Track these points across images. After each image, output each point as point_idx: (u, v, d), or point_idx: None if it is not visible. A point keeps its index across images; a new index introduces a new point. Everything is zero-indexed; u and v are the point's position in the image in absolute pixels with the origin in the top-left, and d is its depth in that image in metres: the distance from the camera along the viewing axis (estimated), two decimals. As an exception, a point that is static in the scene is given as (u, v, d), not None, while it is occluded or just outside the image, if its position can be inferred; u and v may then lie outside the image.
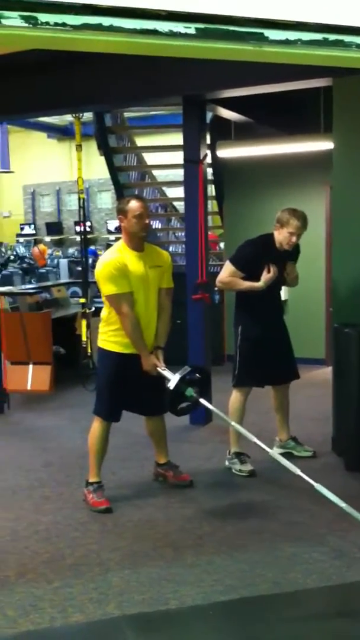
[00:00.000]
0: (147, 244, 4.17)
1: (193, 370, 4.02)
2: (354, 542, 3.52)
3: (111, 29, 2.03)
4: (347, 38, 2.18)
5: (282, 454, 4.62)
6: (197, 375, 4.04)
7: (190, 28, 2.07)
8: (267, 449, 3.95)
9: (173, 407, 4.01)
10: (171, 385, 3.91)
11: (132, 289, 3.95)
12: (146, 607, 3.02)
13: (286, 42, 2.14)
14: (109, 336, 4.06)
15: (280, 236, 4.48)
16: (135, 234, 4.03)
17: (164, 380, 4.19)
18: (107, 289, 3.94)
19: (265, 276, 4.45)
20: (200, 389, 4.02)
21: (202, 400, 4.00)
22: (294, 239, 4.44)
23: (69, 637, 2.88)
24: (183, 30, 2.07)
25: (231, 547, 3.55)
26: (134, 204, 4.01)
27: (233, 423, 4.15)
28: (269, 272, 4.44)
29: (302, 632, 2.83)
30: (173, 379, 3.92)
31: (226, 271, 4.63)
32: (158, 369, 4.04)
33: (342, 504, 3.42)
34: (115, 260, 3.96)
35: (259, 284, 4.47)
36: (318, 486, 3.51)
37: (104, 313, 4.12)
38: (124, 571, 3.32)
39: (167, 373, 4.01)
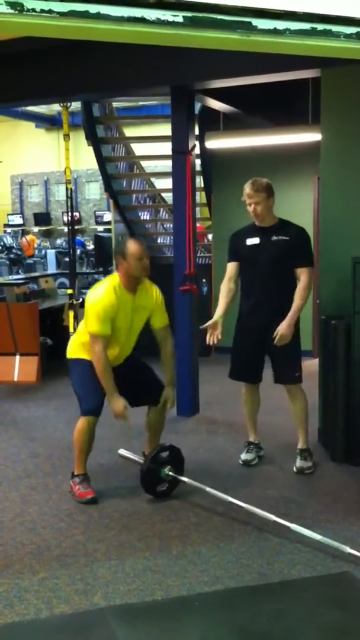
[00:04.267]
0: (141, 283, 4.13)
1: (161, 450, 4.06)
2: (339, 533, 3.53)
3: (98, 16, 2.01)
4: (335, 28, 2.17)
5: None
6: (167, 453, 4.07)
7: (178, 16, 2.06)
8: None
9: (151, 489, 4.03)
10: (143, 468, 3.99)
11: (115, 326, 3.97)
12: (132, 598, 3.02)
13: (274, 32, 2.13)
14: (82, 345, 4.09)
15: (249, 210, 4.43)
16: (135, 277, 4.02)
17: (151, 369, 4.23)
18: (91, 325, 3.96)
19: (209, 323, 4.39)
20: (175, 467, 4.06)
21: (181, 477, 4.04)
22: (251, 207, 4.36)
23: (54, 628, 2.87)
24: (171, 19, 2.06)
25: (217, 538, 3.56)
26: (133, 247, 3.97)
27: (205, 487, 3.95)
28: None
29: (288, 622, 2.84)
30: (144, 463, 4.01)
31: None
32: (125, 454, 4.21)
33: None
34: (109, 302, 3.94)
35: (214, 318, 4.42)
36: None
37: (82, 326, 4.14)
38: (110, 562, 3.33)
39: (137, 458, 4.15)
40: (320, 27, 2.17)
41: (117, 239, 8.67)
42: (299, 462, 4.45)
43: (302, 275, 4.35)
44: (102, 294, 3.97)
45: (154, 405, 4.26)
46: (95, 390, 4.04)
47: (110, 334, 3.96)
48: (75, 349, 4.16)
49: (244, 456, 4.62)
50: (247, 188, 4.37)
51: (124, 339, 4.09)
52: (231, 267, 4.54)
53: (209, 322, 4.41)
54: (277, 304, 4.37)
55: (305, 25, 2.16)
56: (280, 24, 2.14)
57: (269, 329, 4.33)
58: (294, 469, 4.44)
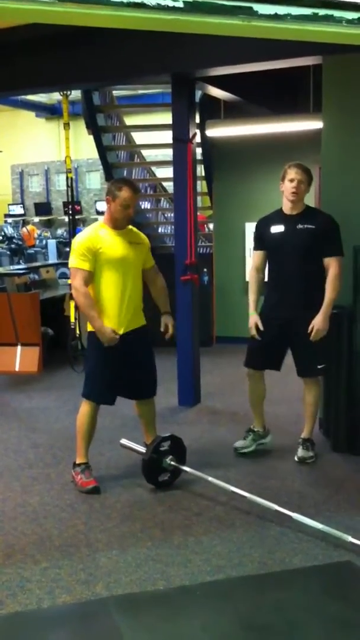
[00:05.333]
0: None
1: (163, 440, 4.04)
2: (341, 523, 3.54)
3: (97, 1, 1.98)
4: (337, 13, 2.13)
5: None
6: (168, 443, 4.04)
7: (178, 1, 2.03)
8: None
9: (153, 479, 4.02)
10: (145, 457, 3.98)
11: (112, 257, 3.97)
12: (134, 587, 3.02)
13: (275, 17, 2.10)
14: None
15: (284, 191, 4.29)
16: (117, 220, 4.04)
17: (153, 359, 4.22)
18: (71, 261, 4.02)
19: (252, 322, 4.35)
20: (177, 457, 4.05)
21: (182, 467, 4.04)
22: (294, 184, 4.22)
23: (56, 618, 2.88)
24: (171, 4, 2.02)
25: (219, 528, 3.56)
26: (125, 194, 3.96)
27: (207, 476, 3.96)
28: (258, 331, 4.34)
29: (289, 612, 2.84)
30: (146, 452, 3.99)
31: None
32: (127, 444, 4.17)
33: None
34: (89, 240, 3.99)
35: (250, 314, 4.38)
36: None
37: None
38: (111, 552, 3.33)
39: (139, 448, 4.12)
40: (322, 12, 2.14)
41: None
42: (300, 452, 4.45)
43: (331, 266, 4.22)
44: (82, 233, 4.13)
45: (143, 399, 4.28)
46: (105, 378, 4.05)
47: (92, 271, 3.96)
48: None
49: (237, 442, 4.61)
50: (294, 167, 4.28)
51: (122, 278, 4.00)
52: (257, 256, 4.47)
53: (252, 324, 4.36)
54: (302, 295, 4.28)
55: (307, 11, 2.13)
56: (281, 9, 2.10)
57: (293, 321, 4.28)
58: (295, 458, 4.43)
